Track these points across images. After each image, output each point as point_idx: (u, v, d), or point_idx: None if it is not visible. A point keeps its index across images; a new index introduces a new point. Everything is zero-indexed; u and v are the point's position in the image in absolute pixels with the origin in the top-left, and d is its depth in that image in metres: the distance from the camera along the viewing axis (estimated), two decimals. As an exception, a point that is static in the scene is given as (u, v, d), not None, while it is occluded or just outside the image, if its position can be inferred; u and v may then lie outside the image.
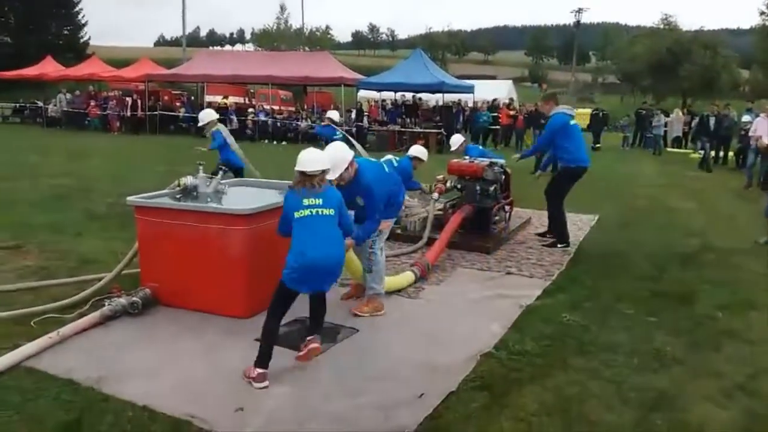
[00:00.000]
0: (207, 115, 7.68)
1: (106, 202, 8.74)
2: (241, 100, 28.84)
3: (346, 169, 4.20)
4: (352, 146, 8.83)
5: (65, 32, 44.57)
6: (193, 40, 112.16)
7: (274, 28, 67.50)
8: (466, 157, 7.39)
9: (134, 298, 4.44)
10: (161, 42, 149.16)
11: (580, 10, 64.72)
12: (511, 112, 22.93)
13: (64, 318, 4.28)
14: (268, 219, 4.33)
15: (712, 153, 16.81)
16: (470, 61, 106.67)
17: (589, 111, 29.06)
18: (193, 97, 28.20)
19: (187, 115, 24.53)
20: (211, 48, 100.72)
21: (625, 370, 3.77)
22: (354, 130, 21.57)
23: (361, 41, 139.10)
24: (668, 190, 12.10)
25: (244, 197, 5.21)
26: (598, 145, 21.73)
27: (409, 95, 24.54)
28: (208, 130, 7.53)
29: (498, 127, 22.32)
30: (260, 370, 3.49)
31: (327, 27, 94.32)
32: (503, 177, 7.19)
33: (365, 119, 22.51)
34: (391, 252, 6.23)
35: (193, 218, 4.52)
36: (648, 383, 3.60)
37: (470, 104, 25.06)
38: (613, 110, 30.19)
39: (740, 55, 52.82)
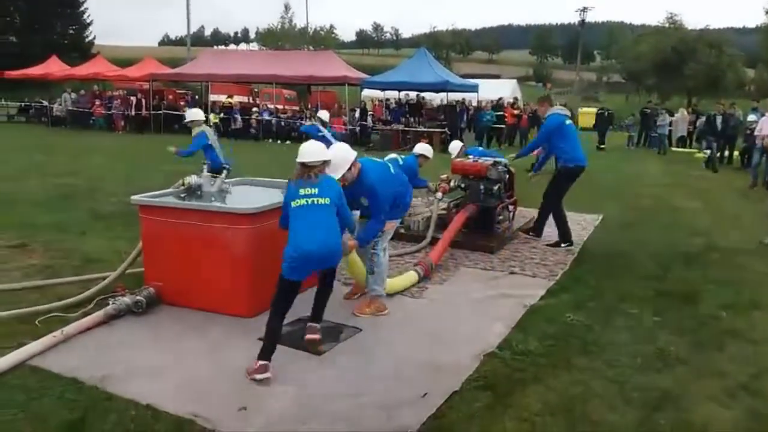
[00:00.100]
0: (193, 114, 7.75)
1: (110, 202, 8.77)
2: (245, 99, 28.88)
3: (349, 169, 4.21)
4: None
5: (70, 32, 44.74)
6: (198, 40, 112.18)
7: (279, 27, 67.53)
8: (470, 157, 7.38)
9: (138, 297, 4.45)
10: (166, 41, 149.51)
11: (584, 9, 64.67)
12: (516, 112, 22.90)
13: (69, 317, 4.29)
14: (271, 218, 4.33)
15: (718, 153, 16.73)
16: (474, 60, 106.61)
17: (594, 110, 29.03)
18: (197, 97, 28.24)
19: (191, 114, 24.53)
20: (215, 47, 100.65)
21: (629, 369, 3.76)
22: (358, 129, 21.63)
23: (365, 40, 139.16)
24: (673, 189, 12.06)
25: (248, 196, 5.21)
26: (602, 146, 21.66)
27: (413, 94, 24.52)
28: (194, 129, 7.55)
29: (503, 126, 22.27)
30: (261, 362, 3.52)
31: (331, 26, 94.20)
32: (507, 176, 7.18)
33: (369, 118, 22.51)
34: (394, 251, 6.23)
35: (198, 217, 4.53)
36: (651, 383, 3.60)
37: (474, 103, 25.03)
38: (617, 109, 30.06)
39: (746, 54, 52.59)
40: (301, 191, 3.72)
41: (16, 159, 13.66)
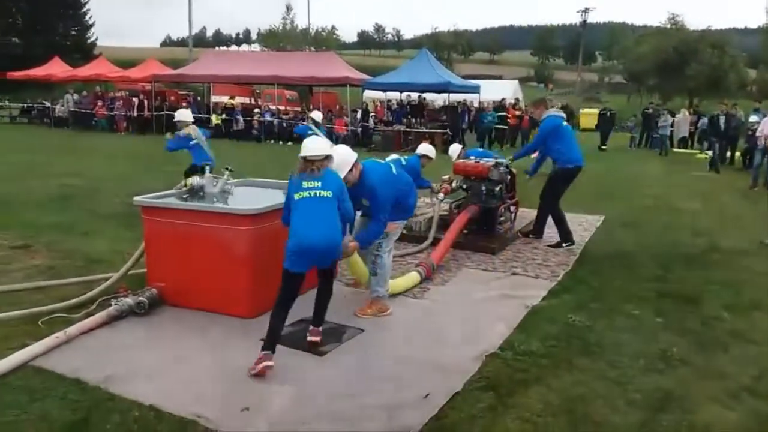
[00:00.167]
0: (181, 115, 8.11)
1: (113, 202, 8.78)
2: (247, 100, 28.92)
3: (350, 171, 4.22)
4: None
5: (72, 33, 44.72)
6: (200, 41, 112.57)
7: (280, 28, 67.45)
8: (472, 158, 7.39)
9: (141, 298, 4.46)
10: (168, 42, 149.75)
11: (586, 10, 64.79)
12: (517, 113, 22.89)
13: (72, 318, 4.30)
14: (273, 219, 4.34)
15: (719, 153, 16.65)
16: (476, 61, 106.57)
17: (595, 111, 29.00)
18: (199, 98, 28.28)
19: (193, 115, 24.57)
20: (217, 48, 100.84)
21: (631, 370, 3.76)
22: (359, 130, 21.64)
23: (366, 41, 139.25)
24: (674, 190, 12.05)
25: (249, 197, 5.22)
26: (603, 147, 21.63)
27: (414, 95, 24.54)
28: (180, 129, 7.85)
29: (506, 127, 22.26)
30: (263, 353, 3.58)
31: (333, 27, 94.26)
32: (509, 177, 7.18)
33: (371, 119, 22.52)
34: (396, 252, 6.22)
35: (200, 218, 4.54)
36: (654, 384, 3.60)
37: (476, 104, 25.04)
38: (619, 110, 30.02)
39: (748, 55, 52.55)
40: (305, 184, 3.78)
41: (19, 160, 13.68)
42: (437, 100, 26.22)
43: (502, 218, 7.11)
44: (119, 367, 3.64)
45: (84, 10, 45.47)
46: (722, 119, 16.22)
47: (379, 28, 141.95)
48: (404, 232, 6.89)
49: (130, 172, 12.03)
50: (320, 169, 3.83)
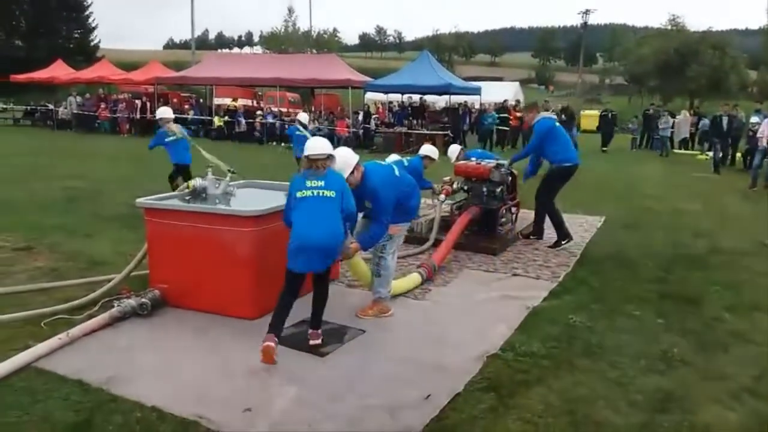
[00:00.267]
0: (162, 113, 8.57)
1: (115, 204, 8.80)
2: (249, 102, 28.97)
3: (352, 173, 4.23)
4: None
5: (75, 35, 44.88)
6: (202, 43, 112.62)
7: (282, 30, 67.60)
8: (473, 159, 7.40)
9: (143, 300, 4.48)
10: (170, 45, 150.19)
11: (587, 12, 64.75)
12: (519, 114, 22.86)
13: (74, 319, 4.32)
14: (276, 220, 4.35)
15: (721, 154, 16.58)
16: (477, 63, 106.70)
17: (596, 113, 28.97)
18: (201, 100, 28.36)
19: (195, 117, 24.64)
20: (219, 51, 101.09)
21: (632, 371, 3.77)
22: (361, 132, 21.67)
23: (368, 43, 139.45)
24: (675, 191, 12.05)
25: (252, 199, 5.24)
26: (604, 149, 21.62)
27: (416, 97, 24.57)
28: (162, 126, 8.34)
29: (507, 128, 22.25)
30: (266, 335, 3.70)
31: (334, 29, 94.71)
32: (510, 178, 7.19)
33: (373, 121, 22.54)
34: (398, 253, 6.24)
35: (202, 220, 4.56)
36: (655, 385, 3.60)
37: (477, 106, 25.04)
38: (620, 111, 29.99)
39: (748, 56, 52.50)
40: (308, 183, 3.85)
41: (22, 162, 13.72)
42: (438, 101, 26.26)
43: (503, 219, 7.12)
44: (122, 368, 3.65)
45: (87, 12, 45.66)
46: (725, 120, 16.09)
47: (380, 31, 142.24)
48: (406, 233, 6.93)
49: (132, 174, 12.06)
50: (324, 167, 3.89)
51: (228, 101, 26.65)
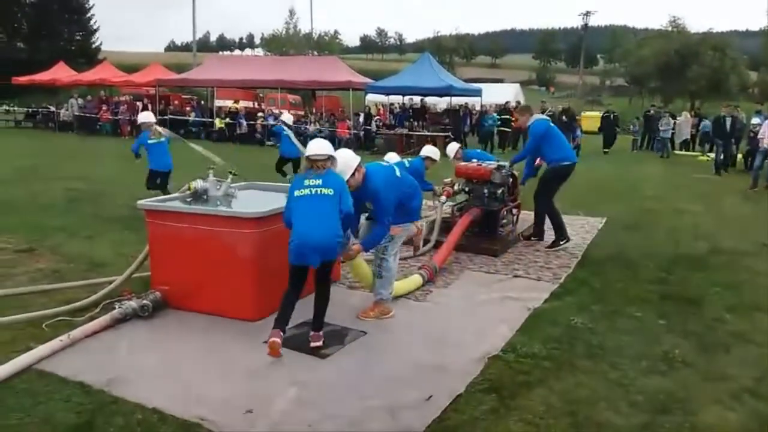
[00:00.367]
0: (144, 117, 9.14)
1: (117, 206, 8.81)
2: (250, 104, 29.01)
3: (353, 175, 4.24)
4: (292, 146, 9.90)
5: (77, 38, 44.94)
6: (203, 45, 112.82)
7: (283, 32, 67.72)
8: (474, 161, 7.41)
9: (144, 301, 4.48)
10: (172, 47, 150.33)
11: (587, 13, 64.90)
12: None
13: (75, 321, 4.32)
14: (277, 222, 4.36)
15: (722, 155, 16.48)
16: (478, 65, 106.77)
17: (597, 114, 28.97)
18: (203, 102, 28.38)
19: (197, 119, 24.68)
20: (220, 53, 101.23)
21: (633, 372, 3.76)
22: (362, 133, 21.69)
23: (369, 45, 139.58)
24: (676, 192, 12.04)
25: (253, 200, 5.25)
26: (606, 150, 21.60)
27: (417, 99, 24.58)
28: (145, 130, 8.80)
29: (509, 130, 22.25)
30: (272, 330, 3.77)
31: (335, 31, 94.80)
32: (510, 180, 7.19)
33: (374, 123, 22.56)
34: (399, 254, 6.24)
35: (204, 221, 4.56)
36: (656, 386, 3.59)
37: (478, 107, 25.04)
38: (621, 113, 30.02)
39: (749, 57, 52.54)
40: (306, 182, 3.93)
41: (24, 164, 13.73)
42: (439, 103, 26.25)
43: (504, 221, 7.11)
44: (123, 370, 3.66)
45: (89, 15, 45.71)
46: (728, 121, 15.93)
47: (381, 33, 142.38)
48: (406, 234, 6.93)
49: (134, 176, 12.04)
50: (323, 168, 3.95)
51: (229, 103, 26.69)
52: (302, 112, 27.71)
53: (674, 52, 46.48)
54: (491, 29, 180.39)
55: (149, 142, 8.64)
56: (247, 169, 10.12)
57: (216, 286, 4.53)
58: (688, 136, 22.94)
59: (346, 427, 3.11)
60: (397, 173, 4.69)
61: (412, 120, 22.74)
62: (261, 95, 31.09)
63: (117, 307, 4.40)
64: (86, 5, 45.39)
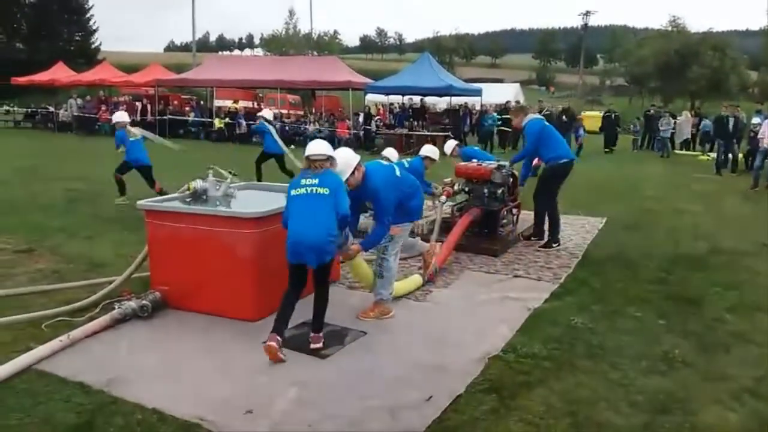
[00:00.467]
0: (118, 117, 9.50)
1: (116, 206, 8.82)
2: (250, 104, 29.01)
3: (353, 173, 4.24)
4: (275, 143, 10.14)
5: (76, 38, 44.94)
6: (203, 45, 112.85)
7: (283, 32, 67.69)
8: (474, 161, 7.40)
9: (144, 302, 4.48)
10: (171, 47, 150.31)
11: (587, 13, 64.90)
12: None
13: (75, 321, 4.32)
14: (276, 222, 4.35)
15: (724, 156, 16.41)
16: (478, 65, 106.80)
17: (598, 114, 28.95)
18: (202, 102, 28.38)
19: (196, 119, 24.66)
20: (220, 53, 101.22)
21: (633, 372, 3.76)
22: (362, 133, 21.69)
23: (369, 45, 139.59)
24: (676, 192, 12.04)
25: (253, 201, 5.24)
26: (606, 150, 21.59)
27: (416, 99, 24.59)
28: (120, 129, 9.18)
29: (510, 129, 22.23)
30: (270, 334, 3.78)
31: (335, 31, 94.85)
32: (511, 180, 7.19)
33: (374, 123, 22.55)
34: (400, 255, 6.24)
35: (203, 222, 4.56)
36: (656, 386, 3.59)
37: (478, 107, 25.04)
38: (621, 112, 30.02)
39: (749, 57, 52.56)
40: (303, 181, 3.95)
41: (23, 164, 13.72)
42: (439, 103, 26.28)
43: (504, 221, 7.11)
44: (122, 370, 3.65)
45: (88, 15, 45.71)
46: (731, 121, 15.82)
47: (381, 32, 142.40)
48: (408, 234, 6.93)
49: (133, 176, 12.04)
50: (321, 168, 3.96)
51: (229, 103, 26.68)
52: (302, 112, 27.73)
53: (674, 51, 46.51)
54: (491, 29, 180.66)
55: (130, 140, 9.06)
56: (247, 169, 10.12)
57: (216, 286, 4.53)
58: (689, 136, 22.93)
59: (346, 427, 3.10)
60: (397, 173, 4.68)
61: (411, 120, 22.75)
62: (260, 95, 31.09)
63: (117, 307, 4.40)
64: (86, 5, 45.42)
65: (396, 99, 26.08)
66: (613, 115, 22.98)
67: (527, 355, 3.96)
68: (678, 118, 23.30)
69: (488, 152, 11.03)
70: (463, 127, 22.70)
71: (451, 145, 8.14)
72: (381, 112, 26.27)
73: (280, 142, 10.44)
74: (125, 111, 11.72)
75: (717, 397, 3.47)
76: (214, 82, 24.66)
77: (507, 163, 7.20)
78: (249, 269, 4.45)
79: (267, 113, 11.97)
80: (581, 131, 20.53)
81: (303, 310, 4.09)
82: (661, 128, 21.24)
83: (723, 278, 5.86)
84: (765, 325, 4.62)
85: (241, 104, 26.85)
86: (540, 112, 13.20)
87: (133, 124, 26.22)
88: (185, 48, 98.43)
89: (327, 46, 78.45)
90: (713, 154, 16.87)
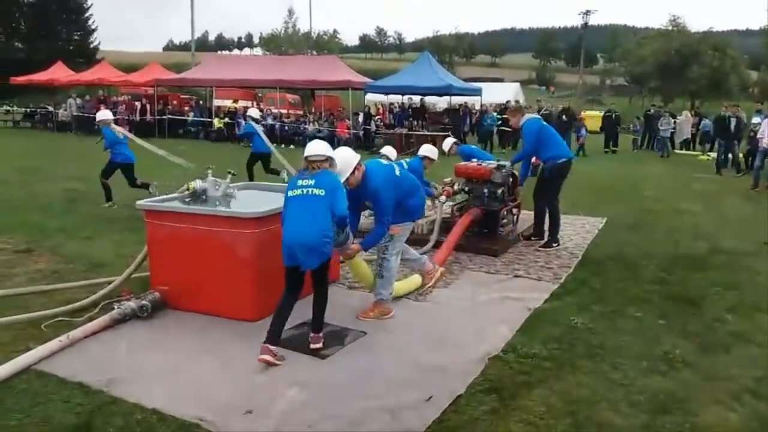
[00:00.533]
0: (102, 115, 9.60)
1: (116, 206, 8.81)
2: (249, 104, 28.99)
3: (353, 173, 4.23)
4: (263, 142, 10.01)
5: (75, 37, 44.93)
6: (202, 45, 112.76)
7: (282, 32, 67.63)
8: (474, 160, 7.40)
9: (143, 302, 4.48)
10: (170, 47, 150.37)
11: (587, 12, 64.89)
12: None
13: (74, 321, 4.32)
14: (277, 222, 4.34)
15: (723, 155, 16.40)
16: (478, 64, 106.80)
17: (598, 113, 28.94)
18: (201, 101, 28.36)
19: (195, 119, 24.63)
20: (219, 52, 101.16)
21: (633, 372, 3.76)
22: (361, 133, 21.69)
23: (368, 45, 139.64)
24: (676, 192, 12.04)
25: (252, 201, 5.24)
26: (606, 150, 21.58)
27: (416, 98, 24.59)
28: (103, 127, 9.13)
29: (510, 129, 22.21)
30: (263, 345, 3.74)
31: (334, 31, 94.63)
32: (510, 179, 7.18)
33: (373, 123, 22.54)
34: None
35: (203, 222, 4.56)
36: (657, 386, 3.59)
37: (478, 107, 25.04)
38: (621, 112, 30.01)
39: (749, 57, 52.58)
40: (299, 182, 3.93)
41: (22, 164, 13.72)
42: (439, 103, 26.26)
43: (504, 221, 7.10)
44: (122, 370, 3.65)
45: (87, 15, 45.70)
46: (733, 121, 15.76)
47: (380, 32, 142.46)
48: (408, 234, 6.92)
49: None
50: (318, 168, 3.94)
51: (228, 103, 26.67)
52: (301, 112, 27.71)
53: (674, 51, 46.48)
54: (491, 28, 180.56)
55: (119, 138, 9.04)
56: (246, 170, 10.12)
57: (215, 286, 4.52)
58: (689, 136, 22.93)
59: (346, 428, 3.10)
60: (397, 172, 4.68)
61: (411, 119, 22.73)
62: (260, 95, 31.07)
63: (116, 307, 4.39)
64: (84, 5, 45.39)
65: (396, 99, 26.09)
66: (613, 115, 22.93)
67: (527, 355, 3.96)
68: (678, 117, 23.30)
69: (488, 152, 11.04)
70: (463, 126, 22.68)
71: (449, 142, 8.15)
72: (381, 111, 26.25)
73: (267, 141, 10.38)
74: (108, 109, 11.82)
75: (717, 398, 3.47)
76: (214, 81, 24.65)
77: (507, 163, 7.19)
78: (249, 269, 4.45)
79: (254, 112, 11.88)
80: (583, 131, 20.52)
81: (302, 311, 4.09)
82: (661, 128, 21.22)
83: (723, 278, 5.85)
84: (765, 325, 4.62)
85: (241, 104, 26.83)
86: (538, 112, 13.21)
87: (132, 124, 26.28)
88: (184, 47, 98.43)
89: (326, 45, 78.32)
90: (713, 154, 16.85)
